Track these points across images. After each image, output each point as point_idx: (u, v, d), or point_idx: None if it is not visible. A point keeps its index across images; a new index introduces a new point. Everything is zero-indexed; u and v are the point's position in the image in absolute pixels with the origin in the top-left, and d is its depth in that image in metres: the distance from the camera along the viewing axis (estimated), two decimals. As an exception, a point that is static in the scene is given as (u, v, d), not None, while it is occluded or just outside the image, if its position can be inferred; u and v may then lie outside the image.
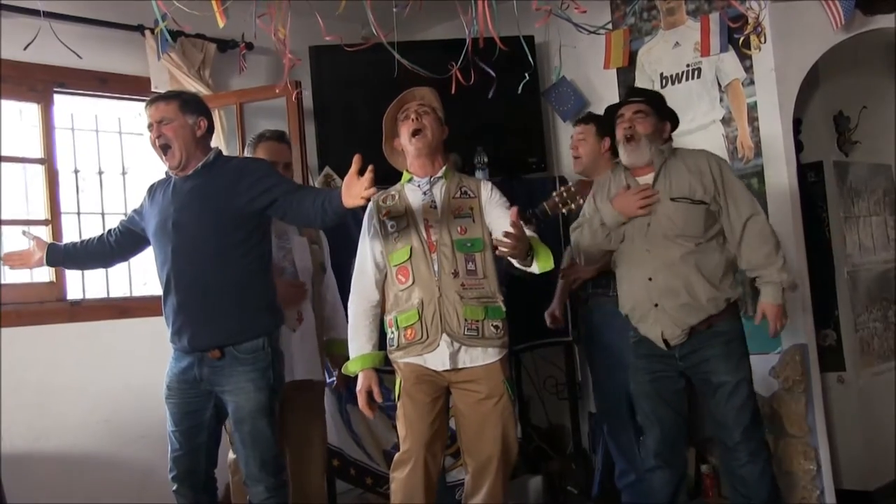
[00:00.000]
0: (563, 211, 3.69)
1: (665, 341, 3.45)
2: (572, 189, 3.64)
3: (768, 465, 3.50)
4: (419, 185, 3.35)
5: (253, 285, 3.27)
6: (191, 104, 3.30)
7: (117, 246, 3.46)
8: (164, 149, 3.24)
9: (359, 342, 3.32)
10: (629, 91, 3.80)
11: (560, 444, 5.11)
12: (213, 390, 3.24)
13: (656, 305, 3.45)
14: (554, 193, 3.68)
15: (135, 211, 3.45)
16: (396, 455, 3.29)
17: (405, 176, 3.40)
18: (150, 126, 3.26)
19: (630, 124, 3.49)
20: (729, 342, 3.47)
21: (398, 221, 3.30)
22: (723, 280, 3.47)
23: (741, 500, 3.50)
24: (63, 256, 3.50)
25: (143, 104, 3.36)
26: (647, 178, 3.53)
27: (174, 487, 3.28)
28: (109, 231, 3.50)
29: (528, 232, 3.14)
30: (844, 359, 4.85)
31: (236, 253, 3.22)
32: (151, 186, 3.42)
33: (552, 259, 3.19)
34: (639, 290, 3.50)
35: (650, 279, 3.46)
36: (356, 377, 3.33)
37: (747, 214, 3.45)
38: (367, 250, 3.36)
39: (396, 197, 3.35)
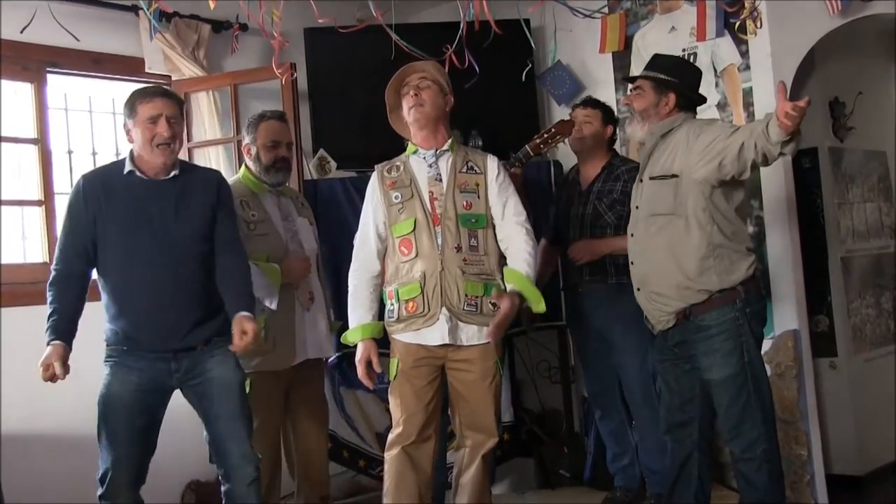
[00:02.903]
0: (545, 151, 3.84)
1: (653, 325, 3.46)
2: (553, 129, 3.79)
3: (766, 463, 3.30)
4: (424, 158, 3.35)
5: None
6: (182, 106, 3.28)
7: (78, 271, 3.17)
8: (169, 140, 3.13)
9: (360, 312, 3.32)
10: (651, 60, 3.61)
11: (553, 428, 5.11)
12: (187, 380, 3.18)
13: (639, 290, 3.45)
14: (535, 136, 3.82)
15: (80, 226, 3.14)
16: (390, 437, 3.30)
17: (410, 147, 3.39)
18: (155, 118, 3.12)
19: (628, 101, 3.48)
20: (712, 337, 3.28)
21: (403, 193, 3.29)
22: (702, 267, 3.26)
23: (743, 496, 3.42)
24: (65, 332, 3.11)
25: (146, 88, 3.27)
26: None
27: (113, 501, 3.10)
28: (79, 272, 3.16)
29: (523, 277, 3.29)
30: (837, 345, 4.88)
31: (210, 256, 3.24)
32: (95, 184, 3.16)
33: (542, 301, 3.34)
34: (632, 274, 3.50)
35: (632, 263, 3.46)
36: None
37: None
38: (370, 220, 3.36)
39: (401, 168, 3.35)
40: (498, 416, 3.38)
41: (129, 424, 3.11)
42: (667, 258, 3.31)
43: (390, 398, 3.31)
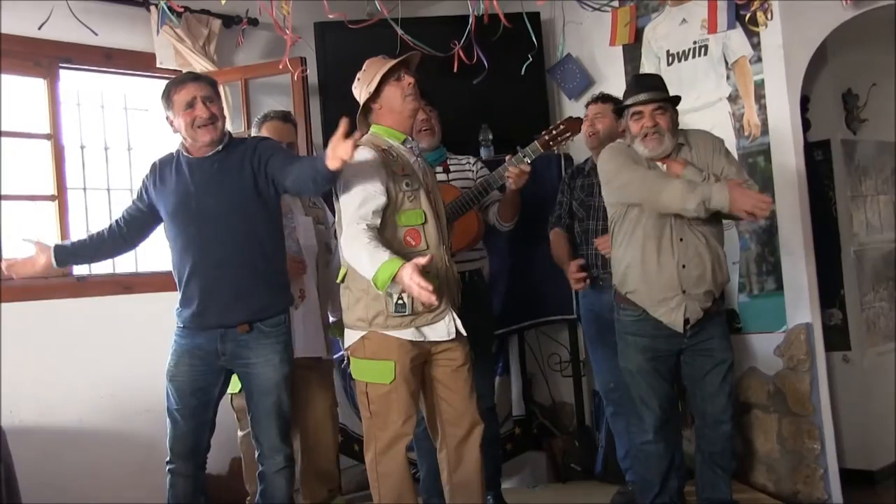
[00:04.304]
0: (555, 149, 3.84)
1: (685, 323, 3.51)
2: (562, 127, 3.75)
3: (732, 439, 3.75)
4: (412, 147, 3.28)
5: (275, 263, 3.36)
6: (217, 87, 3.36)
7: (128, 233, 3.42)
8: (210, 120, 3.22)
9: (385, 254, 2.96)
10: (637, 81, 3.72)
11: (563, 422, 5.12)
12: (233, 365, 3.29)
13: (684, 292, 3.49)
14: (544, 132, 3.77)
15: (140, 196, 3.40)
16: (385, 440, 3.15)
17: (397, 135, 3.24)
18: (191, 102, 3.21)
19: (653, 122, 3.49)
20: (723, 323, 3.68)
21: (412, 181, 3.17)
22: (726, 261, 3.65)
23: (719, 472, 3.66)
24: (71, 254, 3.45)
25: (177, 77, 3.35)
26: (663, 168, 3.54)
27: (172, 466, 3.31)
28: (116, 221, 3.45)
29: None
30: (850, 338, 4.85)
31: (260, 231, 3.28)
32: (155, 166, 3.39)
33: None
34: (667, 278, 3.50)
35: (683, 266, 3.49)
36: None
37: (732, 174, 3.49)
38: (380, 188, 3.10)
39: (395, 155, 3.20)
40: (478, 405, 3.30)
41: (183, 403, 3.28)
42: (717, 257, 3.55)
43: (378, 402, 3.14)
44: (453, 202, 3.75)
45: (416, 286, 2.83)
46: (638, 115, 3.51)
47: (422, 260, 2.89)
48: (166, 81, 3.36)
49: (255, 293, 3.26)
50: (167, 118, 3.31)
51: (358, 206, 3.07)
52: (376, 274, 2.93)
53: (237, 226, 3.23)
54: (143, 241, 3.50)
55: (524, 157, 3.69)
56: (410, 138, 3.28)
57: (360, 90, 3.26)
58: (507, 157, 3.74)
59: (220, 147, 3.28)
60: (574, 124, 3.81)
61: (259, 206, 3.27)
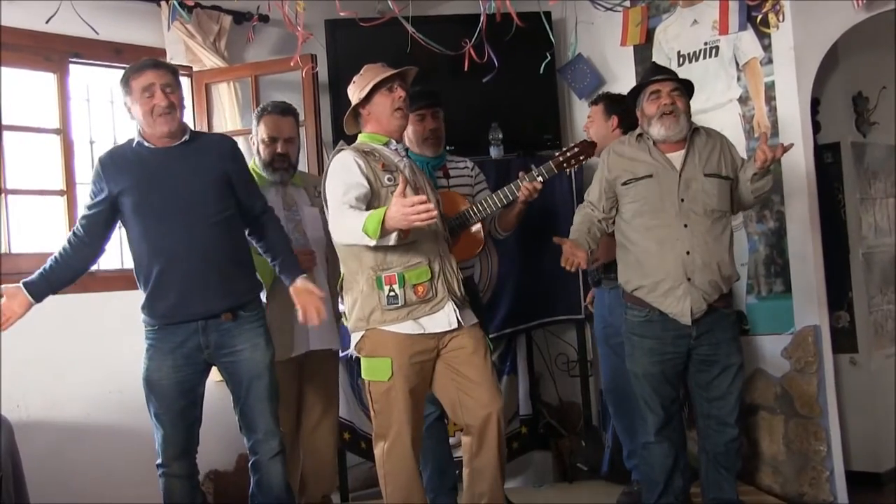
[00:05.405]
0: (567, 171, 3.83)
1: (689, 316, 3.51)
2: (576, 149, 3.75)
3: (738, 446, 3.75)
4: (397, 150, 3.33)
5: (245, 249, 3.35)
6: (178, 75, 3.30)
7: (91, 240, 3.25)
8: (168, 109, 3.16)
9: (370, 211, 3.04)
10: (656, 67, 3.84)
11: (570, 422, 5.12)
12: (217, 356, 3.24)
13: (689, 280, 3.50)
14: (557, 153, 3.78)
15: (95, 198, 3.23)
16: (391, 438, 3.17)
17: (380, 139, 3.31)
18: (149, 88, 3.15)
19: (671, 100, 3.55)
20: (733, 325, 3.67)
21: (395, 177, 3.21)
22: (733, 260, 3.67)
23: (724, 472, 3.66)
24: (46, 283, 3.22)
25: (137, 63, 3.29)
26: (675, 155, 3.58)
27: (167, 469, 3.26)
28: (73, 233, 3.27)
29: None
30: (857, 341, 4.85)
31: (233, 218, 3.27)
32: (106, 161, 3.25)
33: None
34: (672, 265, 3.52)
35: (688, 253, 3.51)
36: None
37: None
38: (364, 182, 3.16)
39: (377, 155, 3.26)
40: (501, 392, 3.32)
41: (169, 407, 3.22)
42: (722, 251, 3.57)
43: (380, 400, 3.17)
44: (467, 209, 3.79)
45: (409, 207, 2.84)
46: (655, 95, 3.58)
47: (400, 188, 2.92)
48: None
49: (236, 278, 3.25)
50: (125, 104, 3.23)
51: (342, 194, 3.12)
52: (365, 224, 2.94)
53: (213, 212, 3.20)
54: (105, 245, 3.32)
55: (538, 175, 3.70)
56: (394, 141, 3.33)
57: (354, 93, 3.34)
58: (520, 174, 3.73)
59: (186, 137, 3.25)
60: (588, 147, 3.80)
61: (230, 194, 3.27)
